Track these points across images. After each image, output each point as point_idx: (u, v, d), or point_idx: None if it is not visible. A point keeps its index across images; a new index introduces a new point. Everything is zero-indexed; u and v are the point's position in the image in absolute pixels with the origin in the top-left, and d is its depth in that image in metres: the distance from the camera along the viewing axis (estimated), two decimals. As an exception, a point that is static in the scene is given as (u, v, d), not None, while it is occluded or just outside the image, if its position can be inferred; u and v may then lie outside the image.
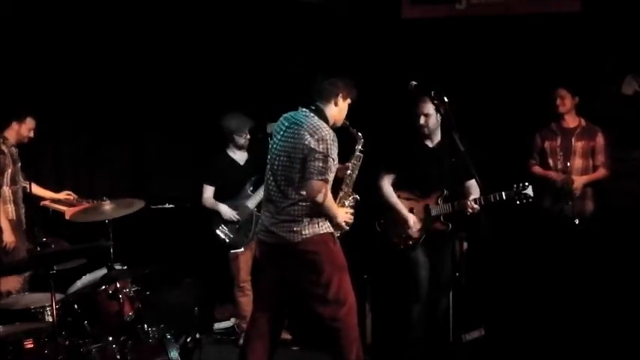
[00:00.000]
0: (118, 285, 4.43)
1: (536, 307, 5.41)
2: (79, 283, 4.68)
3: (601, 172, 5.51)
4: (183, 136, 6.46)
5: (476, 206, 4.80)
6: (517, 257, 5.62)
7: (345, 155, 4.41)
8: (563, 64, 5.86)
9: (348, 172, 4.44)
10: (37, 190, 5.65)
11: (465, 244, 4.80)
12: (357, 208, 4.43)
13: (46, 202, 5.61)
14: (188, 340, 4.51)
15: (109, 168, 6.52)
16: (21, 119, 5.48)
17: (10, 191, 5.37)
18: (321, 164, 4.05)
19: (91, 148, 6.44)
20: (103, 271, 4.63)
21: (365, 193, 4.57)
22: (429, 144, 5.01)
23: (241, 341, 4.95)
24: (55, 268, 3.96)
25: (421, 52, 6.06)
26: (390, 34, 6.18)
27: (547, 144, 5.59)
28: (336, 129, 4.24)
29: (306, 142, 4.07)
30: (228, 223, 5.60)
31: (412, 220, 4.95)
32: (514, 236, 5.62)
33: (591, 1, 5.92)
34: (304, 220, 4.11)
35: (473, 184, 4.84)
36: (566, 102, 5.53)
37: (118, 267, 4.71)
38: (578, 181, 5.42)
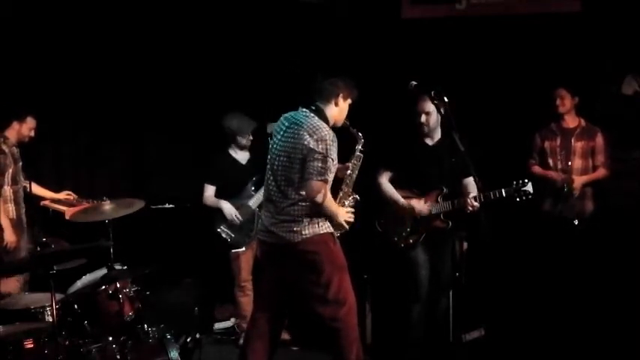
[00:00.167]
0: (118, 285, 4.43)
1: (536, 307, 5.41)
2: (79, 283, 4.69)
3: (601, 172, 5.51)
4: (183, 136, 6.46)
5: (476, 204, 4.80)
6: (517, 257, 5.62)
7: (345, 155, 4.41)
8: (563, 64, 5.86)
9: (348, 172, 4.44)
10: (37, 190, 5.66)
11: (465, 244, 4.79)
12: (357, 208, 4.43)
13: (46, 202, 5.61)
14: (188, 340, 4.51)
15: (109, 168, 6.53)
16: (22, 119, 5.49)
17: (11, 191, 5.38)
18: (320, 164, 4.05)
19: (91, 148, 6.44)
20: (103, 271, 4.63)
21: (365, 193, 4.57)
22: (429, 142, 5.02)
23: (241, 341, 4.95)
24: (55, 268, 3.97)
25: (421, 52, 6.06)
26: (390, 34, 6.18)
27: (547, 144, 5.59)
28: (336, 129, 4.25)
29: (306, 143, 4.07)
30: (229, 222, 5.60)
31: (416, 202, 4.94)
32: (514, 236, 5.62)
33: (591, 1, 5.92)
34: (304, 220, 4.11)
35: (470, 181, 4.84)
36: (565, 102, 5.53)
37: (118, 267, 4.71)
38: (578, 181, 5.42)
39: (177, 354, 4.16)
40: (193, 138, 6.45)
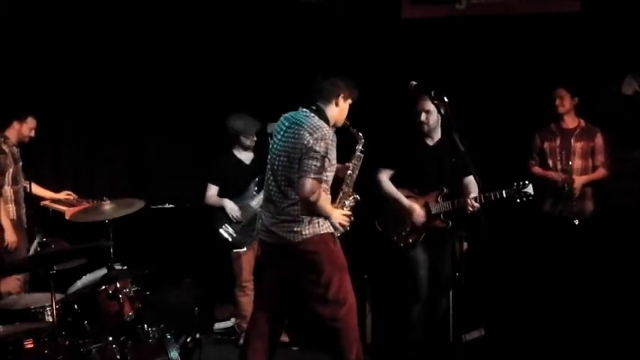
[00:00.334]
0: (118, 285, 4.43)
1: (536, 307, 5.40)
2: (79, 283, 4.68)
3: (600, 172, 5.51)
4: (183, 136, 6.46)
5: (476, 204, 4.80)
6: (517, 257, 5.62)
7: (345, 155, 4.41)
8: (563, 64, 5.86)
9: (349, 172, 4.43)
10: (37, 190, 5.66)
11: (465, 244, 4.79)
12: (357, 208, 4.43)
13: (46, 202, 5.61)
14: (188, 340, 4.51)
15: (109, 168, 6.52)
16: (22, 119, 5.48)
17: (11, 191, 5.38)
18: (316, 163, 4.04)
19: (91, 148, 6.44)
20: (103, 271, 4.63)
21: (365, 192, 4.57)
22: (429, 142, 5.01)
23: (241, 341, 4.96)
24: (55, 268, 3.96)
25: (421, 52, 6.06)
26: (390, 34, 6.18)
27: (546, 144, 5.59)
28: (336, 129, 4.25)
29: (306, 142, 4.06)
30: (231, 222, 5.60)
31: (417, 208, 4.94)
32: (514, 236, 5.62)
33: (591, 1, 5.92)
34: (304, 220, 4.11)
35: (471, 181, 4.84)
36: (565, 102, 5.53)
37: (118, 267, 4.71)
38: (578, 181, 5.42)
39: (177, 354, 4.16)
40: (193, 138, 6.45)
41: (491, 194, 4.79)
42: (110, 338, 4.17)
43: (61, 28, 6.09)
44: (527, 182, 4.84)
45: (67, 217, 5.18)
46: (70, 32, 6.12)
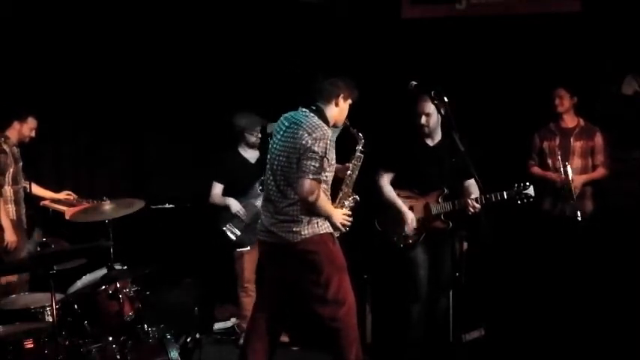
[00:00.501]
0: (118, 285, 4.43)
1: (536, 307, 5.41)
2: (79, 283, 4.68)
3: (600, 172, 5.51)
4: (183, 136, 6.46)
5: (477, 205, 4.80)
6: (517, 257, 5.62)
7: (345, 155, 4.41)
8: (563, 64, 5.86)
9: (349, 172, 4.43)
10: (37, 190, 5.66)
11: (465, 244, 4.79)
12: (356, 208, 4.43)
13: (46, 202, 5.61)
14: (188, 340, 4.51)
15: (109, 168, 6.52)
16: (22, 119, 5.48)
17: (11, 191, 5.37)
18: (315, 164, 4.04)
19: (91, 148, 6.44)
20: (103, 271, 4.63)
21: (365, 193, 4.57)
22: (429, 143, 5.01)
23: (241, 341, 4.95)
24: (55, 268, 3.96)
25: (421, 52, 6.06)
26: (390, 34, 6.18)
27: (546, 144, 5.59)
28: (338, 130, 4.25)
29: (304, 142, 4.06)
30: (235, 221, 5.60)
31: (410, 218, 4.95)
32: (514, 236, 5.62)
33: (591, 1, 5.92)
34: (303, 220, 4.11)
35: (472, 183, 4.84)
36: (564, 102, 5.54)
37: (118, 267, 4.71)
38: (577, 180, 5.42)
39: (177, 354, 4.17)
40: (193, 138, 6.45)
41: (492, 195, 4.80)
42: (110, 338, 4.17)
43: (61, 28, 6.09)
44: (527, 184, 4.86)
45: (67, 217, 5.18)
46: (70, 32, 6.12)
